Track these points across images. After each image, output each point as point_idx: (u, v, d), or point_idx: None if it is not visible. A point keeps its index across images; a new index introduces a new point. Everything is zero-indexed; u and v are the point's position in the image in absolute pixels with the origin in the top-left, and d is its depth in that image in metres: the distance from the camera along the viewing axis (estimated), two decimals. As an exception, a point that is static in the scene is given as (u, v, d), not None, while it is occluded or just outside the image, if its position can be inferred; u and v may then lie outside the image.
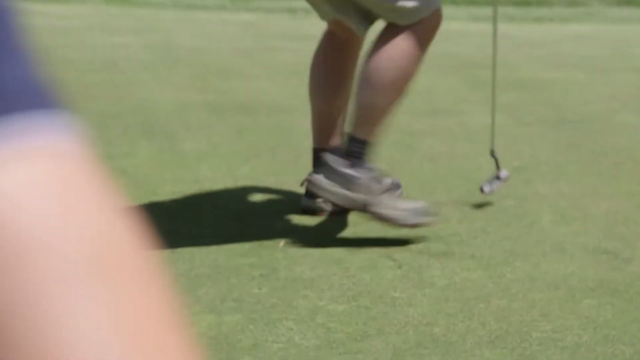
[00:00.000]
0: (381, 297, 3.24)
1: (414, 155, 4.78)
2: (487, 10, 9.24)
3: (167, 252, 3.39)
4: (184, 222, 3.97)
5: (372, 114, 3.81)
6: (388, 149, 4.65)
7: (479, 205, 4.03)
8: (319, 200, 3.97)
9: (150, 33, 7.55)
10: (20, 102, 0.41)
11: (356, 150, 3.75)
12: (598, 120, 5.82)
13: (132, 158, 4.55)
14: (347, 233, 3.89)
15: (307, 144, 4.61)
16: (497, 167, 3.85)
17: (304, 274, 3.49)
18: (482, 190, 3.78)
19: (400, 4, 3.82)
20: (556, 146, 5.08)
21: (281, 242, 3.70)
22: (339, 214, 3.99)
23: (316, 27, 7.94)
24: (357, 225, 3.85)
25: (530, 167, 4.69)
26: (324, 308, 3.16)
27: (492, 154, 3.90)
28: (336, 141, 4.05)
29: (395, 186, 3.88)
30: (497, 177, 3.85)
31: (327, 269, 3.53)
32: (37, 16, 7.91)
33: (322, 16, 4.12)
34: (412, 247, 3.63)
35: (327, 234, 4.00)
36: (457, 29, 9.15)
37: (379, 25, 4.16)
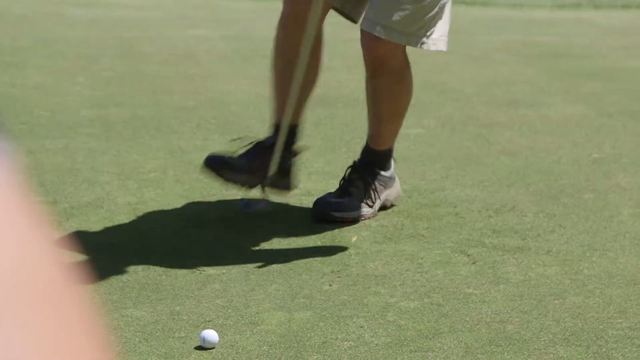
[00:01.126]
0: (454, 293, 3.23)
1: (492, 149, 4.74)
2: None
3: (239, 247, 3.46)
4: (256, 217, 4.01)
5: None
6: (466, 142, 4.64)
7: (557, 199, 3.92)
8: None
9: (229, 24, 7.68)
10: None
11: None
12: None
13: (204, 152, 4.55)
14: (420, 228, 3.86)
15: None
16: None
17: (376, 271, 3.49)
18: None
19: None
20: (639, 138, 4.98)
21: (353, 238, 3.71)
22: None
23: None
24: (430, 220, 3.84)
25: (611, 159, 4.59)
26: (396, 305, 3.16)
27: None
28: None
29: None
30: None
31: (400, 265, 3.53)
32: (116, 8, 8.10)
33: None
34: (487, 242, 3.61)
35: (400, 229, 3.96)
36: (541, 17, 9.03)
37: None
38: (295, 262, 3.55)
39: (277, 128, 4.08)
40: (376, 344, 2.90)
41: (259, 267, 3.44)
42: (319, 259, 3.62)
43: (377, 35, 3.89)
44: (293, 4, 4.03)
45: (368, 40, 3.91)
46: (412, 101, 4.11)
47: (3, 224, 0.40)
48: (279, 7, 9.15)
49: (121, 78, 5.99)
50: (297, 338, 2.97)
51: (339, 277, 3.41)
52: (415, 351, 2.86)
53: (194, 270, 3.41)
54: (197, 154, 4.52)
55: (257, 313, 3.12)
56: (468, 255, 3.52)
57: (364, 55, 4.00)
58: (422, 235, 3.79)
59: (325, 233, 3.82)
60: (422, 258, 3.52)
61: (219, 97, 5.59)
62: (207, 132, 5.02)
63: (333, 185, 4.20)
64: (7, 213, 0.40)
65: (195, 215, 3.99)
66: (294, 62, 3.96)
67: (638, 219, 3.80)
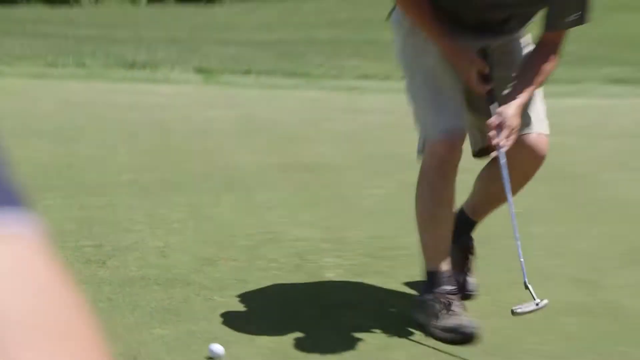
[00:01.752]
0: (404, 316, 3.41)
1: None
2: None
3: (243, 280, 3.74)
4: (255, 259, 4.15)
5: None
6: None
7: (485, 244, 3.91)
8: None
9: (237, 107, 7.92)
10: None
11: None
12: (584, 177, 5.96)
13: (216, 207, 4.95)
14: (381, 266, 4.05)
15: (352, 194, 4.96)
16: (533, 297, 3.17)
17: (346, 298, 3.74)
18: (513, 311, 3.12)
19: None
20: (548, 197, 5.25)
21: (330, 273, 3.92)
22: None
23: (368, 102, 8.28)
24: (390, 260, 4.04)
25: (526, 213, 4.62)
26: (360, 325, 3.37)
27: (526, 285, 3.23)
28: None
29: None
30: (536, 304, 3.19)
31: (365, 294, 3.71)
32: (151, 95, 8.37)
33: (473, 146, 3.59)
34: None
35: (366, 267, 4.12)
36: None
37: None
38: (285, 293, 3.70)
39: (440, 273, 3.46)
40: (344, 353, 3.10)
41: (258, 296, 3.58)
42: (302, 291, 3.77)
43: (546, 132, 3.52)
44: (453, 151, 3.35)
45: (539, 142, 3.48)
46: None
47: (27, 275, 0.43)
48: (277, 94, 9.16)
49: (153, 150, 6.29)
50: (285, 350, 3.12)
51: (319, 303, 3.58)
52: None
53: (207, 299, 3.56)
54: (212, 209, 4.88)
55: (255, 330, 3.27)
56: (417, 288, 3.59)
57: (530, 159, 3.47)
58: (383, 272, 3.90)
59: (311, 273, 3.89)
60: (382, 288, 3.68)
61: (228, 165, 5.81)
62: (218, 191, 5.22)
63: (315, 233, 4.33)
64: (32, 265, 0.44)
65: (209, 257, 4.15)
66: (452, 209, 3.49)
67: (545, 260, 3.96)
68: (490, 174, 3.51)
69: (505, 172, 3.26)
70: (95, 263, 4.22)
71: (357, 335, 3.24)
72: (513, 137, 3.26)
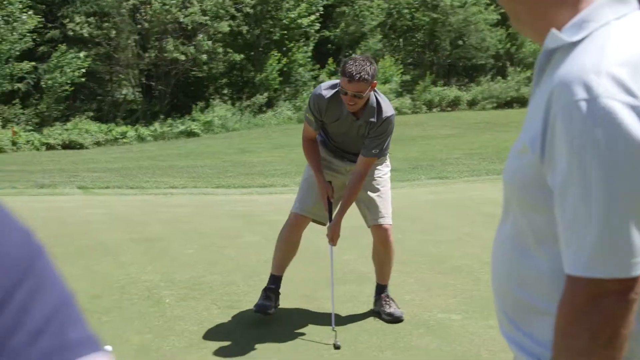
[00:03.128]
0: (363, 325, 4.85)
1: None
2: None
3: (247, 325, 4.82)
4: (123, 293, 5.79)
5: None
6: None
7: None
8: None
9: (239, 208, 9.83)
10: (85, 347, 0.59)
11: None
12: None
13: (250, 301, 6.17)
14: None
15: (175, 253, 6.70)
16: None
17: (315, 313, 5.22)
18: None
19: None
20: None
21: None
22: None
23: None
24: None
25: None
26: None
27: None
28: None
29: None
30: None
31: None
32: (51, 202, 10.30)
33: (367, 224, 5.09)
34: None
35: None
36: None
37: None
38: (276, 324, 4.82)
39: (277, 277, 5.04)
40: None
41: (253, 331, 4.67)
42: (294, 318, 4.96)
43: (388, 224, 4.94)
44: (300, 221, 4.95)
45: (384, 230, 4.94)
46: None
47: None
48: (269, 199, 10.46)
49: (51, 234, 7.19)
50: None
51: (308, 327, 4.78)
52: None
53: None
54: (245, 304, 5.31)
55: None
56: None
57: (380, 244, 5.00)
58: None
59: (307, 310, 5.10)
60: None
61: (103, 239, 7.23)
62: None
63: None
64: None
65: (96, 293, 5.34)
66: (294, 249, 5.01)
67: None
68: (373, 253, 5.09)
69: (330, 255, 5.00)
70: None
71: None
72: (336, 239, 4.93)
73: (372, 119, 4.58)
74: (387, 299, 5.09)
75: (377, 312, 5.08)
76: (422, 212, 9.02)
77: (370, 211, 4.92)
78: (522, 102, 32.30)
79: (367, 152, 4.68)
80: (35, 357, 0.56)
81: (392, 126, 4.69)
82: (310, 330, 4.81)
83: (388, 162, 5.08)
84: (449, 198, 10.23)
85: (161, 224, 8.23)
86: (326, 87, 4.63)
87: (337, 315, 4.92)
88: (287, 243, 4.96)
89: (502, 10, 21.25)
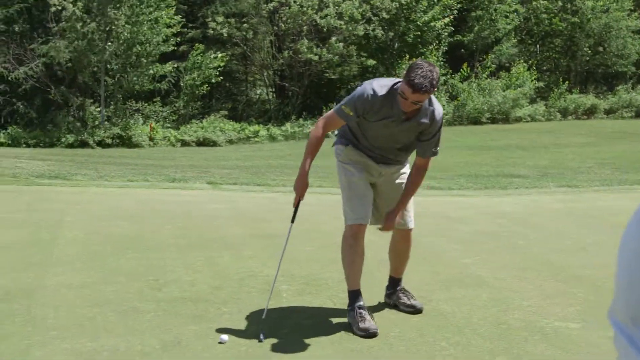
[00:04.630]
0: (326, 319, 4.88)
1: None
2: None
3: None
4: (242, 286, 5.92)
5: None
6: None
7: None
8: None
9: (229, 203, 10.22)
10: None
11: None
12: None
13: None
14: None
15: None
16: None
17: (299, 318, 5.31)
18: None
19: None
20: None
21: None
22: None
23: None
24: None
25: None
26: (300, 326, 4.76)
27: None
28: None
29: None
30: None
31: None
32: (182, 196, 10.68)
33: (372, 223, 4.93)
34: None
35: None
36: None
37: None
38: (389, 324, 4.76)
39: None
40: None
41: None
42: (413, 321, 4.86)
43: (412, 227, 4.99)
44: (358, 231, 4.73)
45: (408, 234, 5.01)
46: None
47: None
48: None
49: (183, 226, 7.74)
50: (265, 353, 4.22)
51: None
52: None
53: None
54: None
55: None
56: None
57: (403, 244, 5.04)
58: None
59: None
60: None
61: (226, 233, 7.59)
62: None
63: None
64: None
65: (217, 285, 5.53)
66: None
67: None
68: (392, 250, 5.12)
69: (288, 234, 4.96)
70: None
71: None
72: (392, 228, 4.82)
73: (425, 120, 4.56)
74: (405, 292, 5.19)
75: (393, 305, 5.17)
76: (547, 220, 8.95)
77: (401, 213, 4.91)
78: None
79: (428, 152, 4.73)
80: None
81: (442, 125, 4.73)
82: (427, 331, 4.80)
83: (408, 166, 5.02)
84: (576, 207, 9.96)
85: (284, 221, 8.32)
86: (379, 86, 4.52)
87: (451, 318, 4.96)
88: (359, 254, 4.80)
89: None
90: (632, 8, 34.52)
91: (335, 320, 4.93)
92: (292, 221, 4.97)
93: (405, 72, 4.39)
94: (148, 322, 4.83)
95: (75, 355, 4.26)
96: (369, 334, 4.55)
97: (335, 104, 25.91)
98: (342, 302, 5.19)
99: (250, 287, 5.65)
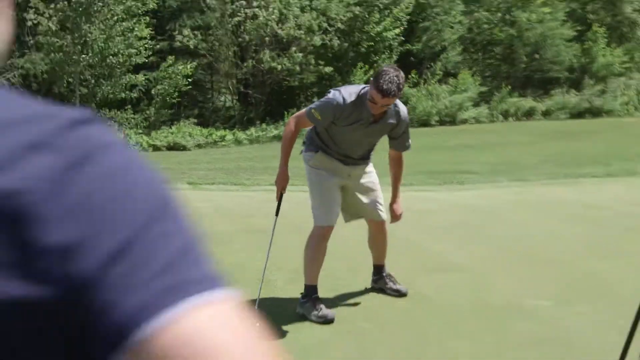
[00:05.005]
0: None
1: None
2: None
3: None
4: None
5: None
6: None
7: None
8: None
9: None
10: (206, 284, 0.59)
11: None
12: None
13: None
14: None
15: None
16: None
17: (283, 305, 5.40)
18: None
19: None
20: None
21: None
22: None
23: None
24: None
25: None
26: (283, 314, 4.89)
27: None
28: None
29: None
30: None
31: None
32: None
33: (347, 220, 5.13)
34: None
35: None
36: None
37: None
38: (372, 305, 5.01)
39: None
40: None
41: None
42: (399, 304, 5.07)
43: (385, 218, 5.11)
44: (327, 232, 4.78)
45: (383, 224, 5.12)
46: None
47: (242, 329, 0.58)
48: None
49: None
50: None
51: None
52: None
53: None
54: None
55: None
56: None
57: (379, 234, 5.15)
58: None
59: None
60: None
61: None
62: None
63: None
64: (242, 323, 0.58)
65: None
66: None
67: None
68: (371, 241, 5.26)
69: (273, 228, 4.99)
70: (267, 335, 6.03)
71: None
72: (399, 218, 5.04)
73: (392, 121, 4.64)
74: (391, 277, 5.32)
75: (379, 289, 5.30)
76: (508, 211, 9.13)
77: (373, 208, 5.00)
78: (594, 112, 31.97)
79: (403, 147, 4.86)
80: (154, 292, 0.55)
81: (409, 122, 4.86)
82: (415, 313, 4.91)
83: (372, 165, 5.09)
84: (530, 199, 10.27)
85: (266, 217, 8.44)
86: (348, 93, 4.55)
87: (435, 301, 5.07)
88: (322, 253, 4.82)
89: (579, 28, 20.54)
90: (565, 18, 35.13)
91: (326, 304, 4.98)
92: (277, 214, 4.96)
93: (373, 78, 4.44)
94: None
95: None
96: (327, 320, 4.63)
97: (295, 109, 25.76)
98: (331, 288, 5.38)
99: (242, 278, 5.62)
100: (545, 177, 12.89)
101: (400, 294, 5.23)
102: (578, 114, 32.15)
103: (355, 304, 5.12)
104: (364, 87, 4.58)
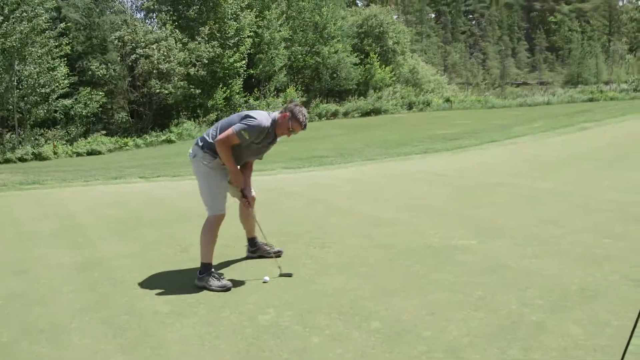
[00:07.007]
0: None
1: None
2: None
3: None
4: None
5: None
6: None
7: None
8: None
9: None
10: None
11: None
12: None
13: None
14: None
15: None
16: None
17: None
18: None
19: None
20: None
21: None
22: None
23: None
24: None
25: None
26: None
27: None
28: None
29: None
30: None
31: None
32: None
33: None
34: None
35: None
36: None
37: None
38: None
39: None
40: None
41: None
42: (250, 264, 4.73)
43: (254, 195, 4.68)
44: (221, 219, 4.40)
45: (254, 199, 4.70)
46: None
47: None
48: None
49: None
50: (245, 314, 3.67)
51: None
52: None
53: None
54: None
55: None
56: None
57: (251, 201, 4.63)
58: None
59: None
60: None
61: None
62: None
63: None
64: None
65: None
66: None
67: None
68: (242, 217, 4.83)
69: (252, 212, 4.64)
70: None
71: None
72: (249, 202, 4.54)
73: (278, 139, 4.46)
74: (265, 244, 4.97)
75: (260, 256, 4.94)
76: (379, 180, 8.78)
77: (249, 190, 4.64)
78: (376, 112, 37.11)
79: (262, 156, 4.61)
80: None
81: None
82: (383, 257, 4.73)
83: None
84: (387, 172, 9.67)
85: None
86: (266, 119, 4.31)
87: (397, 247, 4.91)
88: (216, 236, 4.46)
89: (361, 56, 26.89)
90: (352, 49, 40.24)
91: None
92: (245, 198, 4.62)
93: (290, 113, 4.31)
94: (188, 274, 4.58)
95: (172, 304, 3.98)
96: (228, 288, 4.24)
97: (173, 120, 29.62)
98: (320, 243, 5.09)
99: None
100: (379, 157, 12.37)
101: (280, 253, 4.97)
102: (366, 113, 37.10)
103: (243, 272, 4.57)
104: (271, 114, 4.41)
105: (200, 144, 4.44)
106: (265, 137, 4.34)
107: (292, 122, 4.31)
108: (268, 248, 4.93)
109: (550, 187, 7.35)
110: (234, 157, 4.35)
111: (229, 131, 4.28)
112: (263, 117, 4.33)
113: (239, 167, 4.48)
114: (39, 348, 3.51)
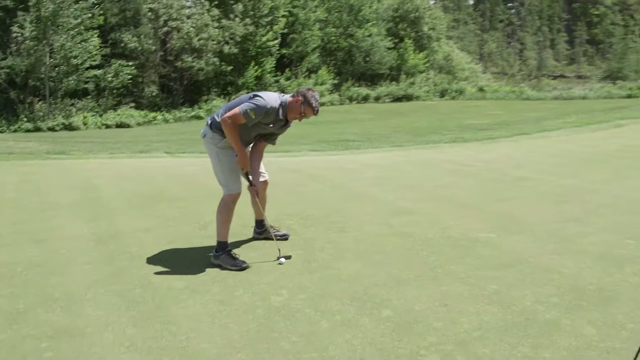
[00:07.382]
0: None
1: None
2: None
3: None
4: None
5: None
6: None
7: None
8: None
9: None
10: None
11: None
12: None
13: None
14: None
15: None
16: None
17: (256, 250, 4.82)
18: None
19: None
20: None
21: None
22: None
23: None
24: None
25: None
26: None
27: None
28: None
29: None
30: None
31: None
32: None
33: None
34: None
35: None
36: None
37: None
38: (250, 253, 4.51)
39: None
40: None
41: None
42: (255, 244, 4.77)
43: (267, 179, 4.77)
44: (236, 199, 4.42)
45: (267, 183, 4.77)
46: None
47: None
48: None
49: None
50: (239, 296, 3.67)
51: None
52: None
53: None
54: None
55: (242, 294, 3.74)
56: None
57: (264, 190, 4.72)
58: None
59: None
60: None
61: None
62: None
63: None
64: None
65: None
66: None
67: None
68: (253, 202, 4.77)
69: (256, 199, 4.60)
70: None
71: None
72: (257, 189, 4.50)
73: (292, 123, 4.48)
74: (272, 227, 4.97)
75: (267, 238, 4.93)
76: (410, 168, 8.71)
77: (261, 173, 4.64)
78: (408, 98, 37.21)
79: (275, 141, 4.60)
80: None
81: None
82: (401, 245, 4.74)
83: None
84: (412, 159, 9.69)
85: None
86: (274, 100, 4.30)
87: (415, 236, 4.89)
88: (232, 215, 4.48)
89: (395, 40, 25.63)
90: (386, 34, 40.63)
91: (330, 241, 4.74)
92: (251, 185, 4.56)
93: (302, 98, 4.28)
94: (204, 251, 4.67)
95: (187, 281, 4.04)
96: (243, 268, 4.26)
97: (203, 96, 29.91)
98: (339, 228, 5.12)
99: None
100: (408, 144, 12.41)
101: (286, 237, 4.96)
102: (398, 99, 37.26)
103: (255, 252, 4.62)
104: (282, 96, 4.39)
105: (209, 122, 4.47)
106: (276, 120, 4.33)
107: (304, 106, 4.31)
108: (274, 231, 4.91)
109: (576, 184, 7.35)
110: (241, 138, 4.33)
111: (236, 110, 4.28)
112: (271, 97, 4.31)
113: (248, 151, 4.48)
114: (53, 317, 3.63)
